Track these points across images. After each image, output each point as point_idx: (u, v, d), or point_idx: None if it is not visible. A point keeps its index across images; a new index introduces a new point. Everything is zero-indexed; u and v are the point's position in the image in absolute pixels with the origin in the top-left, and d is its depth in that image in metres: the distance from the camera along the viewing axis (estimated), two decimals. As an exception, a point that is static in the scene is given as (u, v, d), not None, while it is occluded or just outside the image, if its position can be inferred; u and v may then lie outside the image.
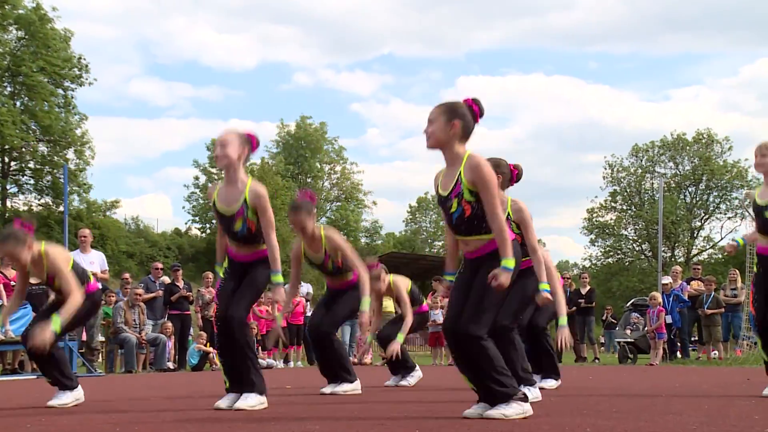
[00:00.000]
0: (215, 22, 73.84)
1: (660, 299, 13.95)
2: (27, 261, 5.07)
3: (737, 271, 14.99)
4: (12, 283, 11.93)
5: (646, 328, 14.38)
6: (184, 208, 48.71)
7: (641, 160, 49.28)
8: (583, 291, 16.20)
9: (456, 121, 4.10)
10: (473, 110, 4.18)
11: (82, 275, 5.34)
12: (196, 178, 47.98)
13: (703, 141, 47.89)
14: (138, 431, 3.65)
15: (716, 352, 14.41)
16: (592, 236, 50.37)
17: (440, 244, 61.47)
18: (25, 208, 38.17)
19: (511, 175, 5.45)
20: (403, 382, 7.59)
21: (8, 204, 38.52)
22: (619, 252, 50.27)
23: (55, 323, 4.93)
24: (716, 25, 69.86)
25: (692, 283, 15.41)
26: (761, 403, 4.88)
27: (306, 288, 17.12)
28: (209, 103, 77.96)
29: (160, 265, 15.16)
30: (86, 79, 37.75)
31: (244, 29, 74.87)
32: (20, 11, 34.98)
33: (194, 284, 16.35)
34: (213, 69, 78.60)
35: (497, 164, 5.12)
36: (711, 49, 74.98)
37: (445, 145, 4.15)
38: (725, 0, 66.89)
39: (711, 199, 48.78)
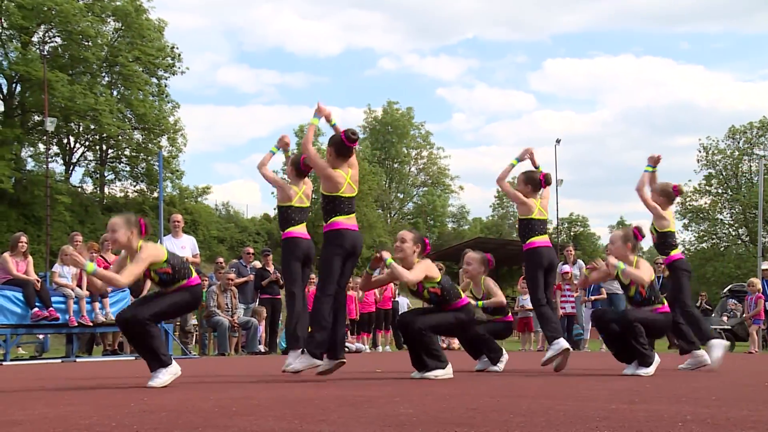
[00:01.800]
0: (300, 8, 74.86)
1: (759, 285, 13.49)
2: (122, 241, 5.40)
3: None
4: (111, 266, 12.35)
5: (743, 315, 13.94)
6: (273, 193, 49.42)
7: (738, 142, 47.73)
8: (677, 276, 15.77)
9: (329, 148, 6.37)
10: (342, 139, 6.21)
11: (182, 268, 5.52)
12: (285, 164, 48.65)
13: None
14: (236, 411, 3.72)
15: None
16: (686, 221, 49.08)
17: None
18: (122, 194, 39.44)
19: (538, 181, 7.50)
20: (494, 368, 7.55)
21: (106, 191, 39.86)
22: (714, 237, 48.85)
23: (90, 266, 5.28)
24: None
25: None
26: None
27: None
28: (295, 89, 79.23)
29: (251, 250, 15.44)
30: (179, 68, 38.71)
31: (329, 15, 75.75)
32: (117, 3, 36.04)
33: (284, 269, 16.58)
34: (298, 56, 79.85)
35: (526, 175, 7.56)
36: (813, 25, 72.15)
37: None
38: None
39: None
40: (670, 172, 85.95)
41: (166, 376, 5.41)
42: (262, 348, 13.98)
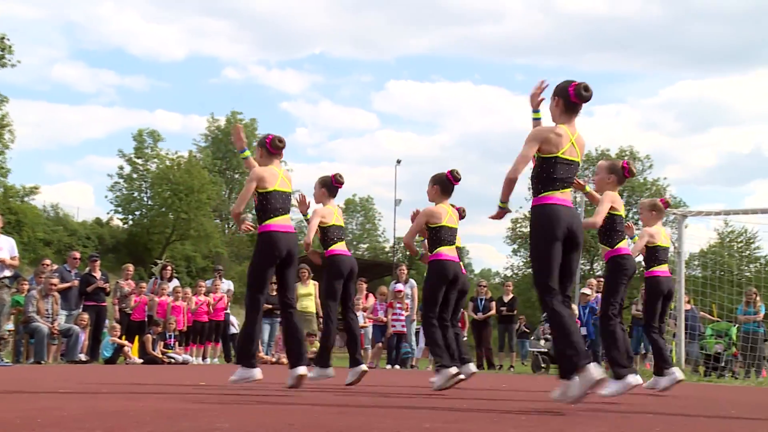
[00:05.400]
0: (143, 10, 72.82)
1: (577, 311, 14.20)
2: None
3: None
4: None
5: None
6: (106, 197, 47.73)
7: (566, 174, 50.29)
8: (506, 299, 16.44)
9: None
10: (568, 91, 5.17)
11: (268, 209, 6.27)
12: (121, 168, 47.01)
13: (626, 158, 49.14)
14: (41, 423, 3.54)
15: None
16: (515, 246, 51.09)
17: (365, 246, 61.46)
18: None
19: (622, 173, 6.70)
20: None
21: None
22: (540, 263, 51.05)
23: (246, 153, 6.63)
24: (640, 46, 72.22)
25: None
26: (660, 417, 5.02)
27: (227, 285, 16.93)
28: (135, 92, 76.80)
29: (77, 255, 14.80)
30: (9, 60, 36.72)
31: (173, 20, 74.09)
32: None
33: (114, 276, 16.01)
34: (140, 58, 77.54)
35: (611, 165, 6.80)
36: (634, 69, 77.39)
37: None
38: (649, 24, 69.15)
39: (630, 215, 50.01)
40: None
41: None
42: (83, 357, 13.41)
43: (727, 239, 46.74)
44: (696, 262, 28.04)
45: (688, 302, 15.30)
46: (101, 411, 4.22)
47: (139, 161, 47.20)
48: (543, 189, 4.95)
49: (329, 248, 7.27)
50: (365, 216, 63.00)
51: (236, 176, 56.04)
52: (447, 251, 6.78)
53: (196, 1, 74.07)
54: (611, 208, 6.51)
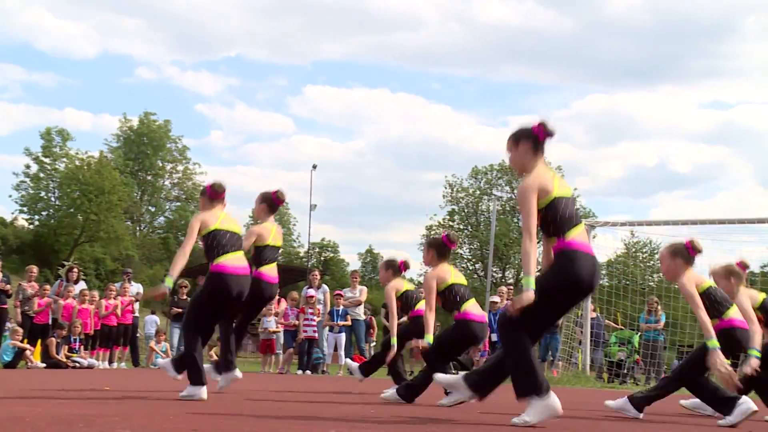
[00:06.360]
0: (52, 5, 70.63)
1: (485, 319, 14.41)
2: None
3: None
4: None
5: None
6: (11, 197, 46.09)
7: (480, 182, 50.98)
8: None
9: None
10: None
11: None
12: (27, 167, 45.61)
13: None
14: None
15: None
16: (429, 253, 51.51)
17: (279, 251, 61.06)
18: None
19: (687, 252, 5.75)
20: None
21: None
22: (453, 270, 51.63)
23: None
24: (552, 59, 73.71)
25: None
26: (566, 420, 5.16)
27: (136, 288, 16.63)
28: (43, 89, 74.39)
29: (-22, 256, 14.30)
30: None
31: (84, 16, 72.04)
32: None
33: (18, 278, 15.50)
34: (48, 54, 75.12)
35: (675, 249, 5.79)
36: (546, 81, 78.87)
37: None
38: (561, 38, 70.78)
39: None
40: (418, 205, 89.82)
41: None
42: (-19, 362, 12.96)
43: (633, 250, 48.11)
44: (603, 272, 28.76)
45: (594, 311, 15.73)
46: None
47: (47, 160, 45.89)
48: (559, 233, 4.58)
49: (258, 269, 6.94)
50: (280, 220, 62.68)
51: (149, 178, 55.04)
52: (473, 308, 6.68)
53: (108, -2, 72.20)
54: (696, 287, 5.63)
